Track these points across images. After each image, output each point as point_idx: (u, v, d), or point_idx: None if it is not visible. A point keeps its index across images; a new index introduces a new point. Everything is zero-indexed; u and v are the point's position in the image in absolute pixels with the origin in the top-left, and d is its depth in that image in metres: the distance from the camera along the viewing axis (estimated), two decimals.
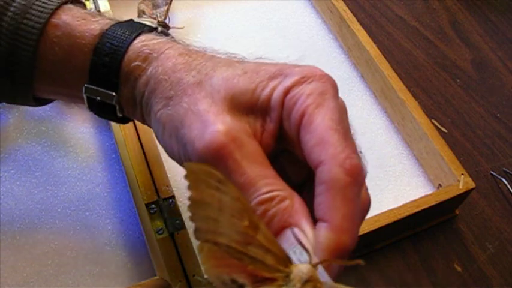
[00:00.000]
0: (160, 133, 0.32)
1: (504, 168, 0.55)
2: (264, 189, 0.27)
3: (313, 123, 0.28)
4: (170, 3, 0.60)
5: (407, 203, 0.45)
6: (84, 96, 0.34)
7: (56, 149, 0.50)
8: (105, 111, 0.35)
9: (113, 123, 0.49)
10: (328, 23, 0.64)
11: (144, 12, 0.60)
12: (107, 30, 0.33)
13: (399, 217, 0.44)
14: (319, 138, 0.27)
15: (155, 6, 0.60)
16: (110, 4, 0.57)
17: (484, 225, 0.50)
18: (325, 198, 0.26)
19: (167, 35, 0.36)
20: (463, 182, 0.47)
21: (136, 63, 0.32)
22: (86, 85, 0.34)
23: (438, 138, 0.50)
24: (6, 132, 0.50)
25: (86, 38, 0.33)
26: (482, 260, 0.48)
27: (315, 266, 0.26)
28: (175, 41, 0.34)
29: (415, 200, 0.46)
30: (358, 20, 0.60)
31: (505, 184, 0.53)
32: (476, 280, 0.47)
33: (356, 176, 0.27)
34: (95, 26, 0.34)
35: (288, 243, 0.27)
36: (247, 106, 0.29)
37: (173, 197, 0.44)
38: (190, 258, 0.41)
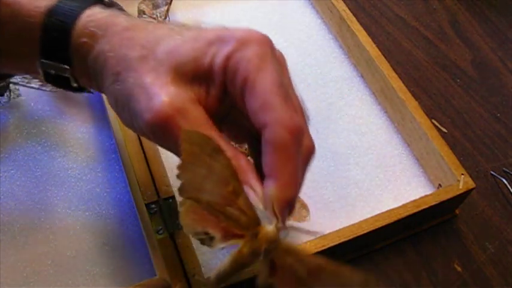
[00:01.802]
0: (114, 106, 0.33)
1: (504, 168, 0.55)
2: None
3: (256, 88, 0.30)
4: (170, 3, 0.60)
5: (407, 203, 0.45)
6: (40, 70, 0.35)
7: (56, 149, 0.50)
8: (61, 83, 0.35)
9: (112, 124, 0.49)
10: (328, 23, 0.64)
11: (144, 12, 0.60)
12: (53, 6, 0.34)
13: (399, 217, 0.44)
14: (262, 102, 0.30)
15: (155, 6, 0.60)
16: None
17: (484, 225, 0.50)
18: (271, 158, 0.30)
19: (113, 5, 0.36)
20: (463, 182, 0.47)
21: (84, 39, 0.33)
22: (40, 60, 0.34)
23: (438, 138, 0.50)
24: (6, 132, 0.50)
25: (33, 16, 0.33)
26: (482, 260, 0.48)
27: (279, 229, 0.29)
28: (121, 13, 0.34)
29: (415, 200, 0.46)
30: (358, 20, 0.60)
31: (505, 184, 0.53)
32: (476, 280, 0.47)
33: (297, 133, 0.30)
34: (41, 3, 0.34)
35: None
36: (191, 74, 0.31)
37: (173, 197, 0.44)
38: (190, 258, 0.41)
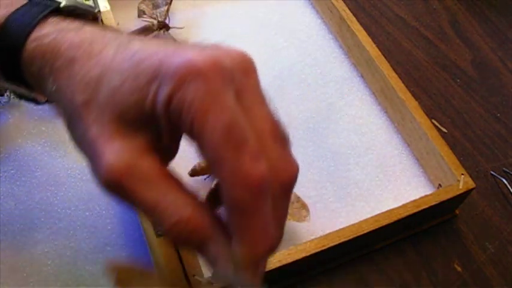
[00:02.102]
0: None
1: (504, 168, 0.55)
2: (168, 214, 0.26)
3: (203, 138, 0.25)
4: (170, 3, 0.60)
5: (407, 203, 0.45)
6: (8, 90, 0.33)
7: (56, 149, 0.50)
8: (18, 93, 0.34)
9: None
10: (328, 23, 0.64)
11: (144, 12, 0.60)
12: (9, 17, 0.31)
13: (399, 217, 0.44)
14: (211, 155, 0.25)
15: (155, 6, 0.60)
16: (110, 4, 0.57)
17: (484, 225, 0.50)
18: (231, 218, 0.26)
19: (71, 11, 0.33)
20: (463, 182, 0.47)
21: (33, 69, 0.30)
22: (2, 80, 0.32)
23: (438, 138, 0.50)
24: (6, 132, 0.50)
25: None
26: (482, 260, 0.48)
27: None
28: (70, 29, 0.31)
29: (415, 200, 0.46)
30: (358, 20, 0.60)
31: (505, 184, 0.53)
32: (476, 280, 0.47)
33: (258, 185, 0.25)
34: None
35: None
36: (135, 120, 0.27)
37: None
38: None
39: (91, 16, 0.34)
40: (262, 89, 0.28)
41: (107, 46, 0.29)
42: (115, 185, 0.27)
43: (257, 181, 0.25)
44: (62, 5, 0.32)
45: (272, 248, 0.27)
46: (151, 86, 0.26)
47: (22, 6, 0.32)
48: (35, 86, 0.32)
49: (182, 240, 0.27)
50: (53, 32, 0.30)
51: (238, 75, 0.27)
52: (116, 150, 0.27)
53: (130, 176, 0.26)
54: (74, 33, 0.30)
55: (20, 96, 0.34)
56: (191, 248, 0.27)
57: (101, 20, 0.56)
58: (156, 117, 0.27)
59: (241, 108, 0.26)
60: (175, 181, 0.28)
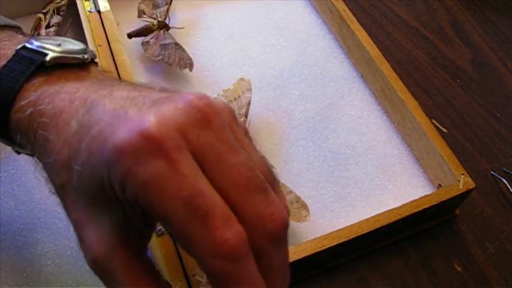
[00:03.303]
0: None
1: (504, 168, 0.55)
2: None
3: (166, 219, 0.23)
4: (170, 3, 0.60)
5: (407, 203, 0.45)
6: None
7: None
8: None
9: None
10: (328, 23, 0.64)
11: (144, 12, 0.60)
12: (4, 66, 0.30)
13: (399, 217, 0.44)
14: (178, 234, 0.23)
15: (155, 6, 0.60)
16: (110, 4, 0.57)
17: (484, 225, 0.50)
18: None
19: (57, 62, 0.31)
20: (463, 182, 0.47)
21: (18, 135, 0.30)
22: None
23: (438, 138, 0.50)
24: None
25: None
26: (482, 260, 0.48)
27: None
28: (48, 94, 0.29)
29: (415, 200, 0.46)
30: (358, 20, 0.60)
31: (505, 184, 0.53)
32: (476, 280, 0.47)
33: (232, 253, 0.23)
34: None
35: None
36: (104, 204, 0.26)
37: None
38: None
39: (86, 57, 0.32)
40: (228, 131, 0.25)
41: (73, 118, 0.27)
42: (95, 272, 0.27)
43: (230, 248, 0.23)
44: (48, 58, 0.30)
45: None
46: (103, 170, 0.24)
47: (7, 62, 0.30)
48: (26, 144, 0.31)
49: None
50: (32, 103, 0.29)
51: (194, 132, 0.24)
52: (91, 239, 0.26)
53: (103, 268, 0.26)
54: (48, 102, 0.28)
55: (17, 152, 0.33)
56: None
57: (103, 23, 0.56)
58: (117, 201, 0.25)
59: (206, 167, 0.24)
60: (143, 275, 0.26)
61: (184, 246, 0.24)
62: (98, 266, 0.26)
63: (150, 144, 0.23)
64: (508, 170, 0.54)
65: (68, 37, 0.38)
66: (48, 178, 0.29)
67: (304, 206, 0.46)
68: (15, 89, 0.29)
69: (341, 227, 0.44)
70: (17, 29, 0.36)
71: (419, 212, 0.45)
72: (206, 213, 0.23)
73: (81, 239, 0.27)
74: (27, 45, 0.31)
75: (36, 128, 0.28)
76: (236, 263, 0.23)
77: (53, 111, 0.28)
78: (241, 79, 0.55)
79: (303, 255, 0.41)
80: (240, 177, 0.24)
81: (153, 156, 0.23)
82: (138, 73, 0.57)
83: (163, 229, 0.42)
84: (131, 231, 0.26)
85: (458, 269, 0.47)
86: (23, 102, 0.29)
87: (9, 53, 0.31)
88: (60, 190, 0.28)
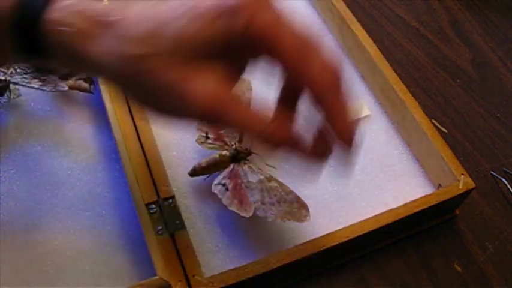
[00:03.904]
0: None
1: (504, 168, 0.55)
2: (256, 124, 0.32)
3: (286, 45, 0.31)
4: None
5: (407, 203, 0.45)
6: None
7: (56, 149, 0.50)
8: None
9: (112, 124, 0.49)
10: (328, 23, 0.64)
11: None
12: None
13: (399, 217, 0.44)
14: (295, 56, 0.31)
15: None
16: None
17: (484, 225, 0.50)
18: (323, 99, 0.32)
19: None
20: (463, 182, 0.47)
21: (61, 38, 0.31)
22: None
23: (438, 138, 0.50)
24: (6, 132, 0.50)
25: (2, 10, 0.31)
26: (482, 260, 0.48)
27: None
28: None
29: (415, 200, 0.46)
30: (358, 20, 0.60)
31: (505, 184, 0.53)
32: (476, 280, 0.47)
33: (338, 71, 0.33)
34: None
35: None
36: (209, 55, 0.31)
37: (173, 197, 0.44)
38: (190, 258, 0.41)
39: None
40: None
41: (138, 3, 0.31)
42: (212, 113, 0.30)
43: (337, 68, 0.32)
44: None
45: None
46: (218, 21, 0.30)
47: None
48: (59, 56, 0.32)
49: (274, 140, 0.32)
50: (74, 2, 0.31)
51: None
52: (203, 84, 0.30)
53: (221, 103, 0.31)
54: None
55: (37, 69, 0.34)
56: (286, 148, 0.32)
57: None
58: (230, 46, 0.30)
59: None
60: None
61: (295, 69, 0.32)
62: (214, 108, 0.30)
63: (264, 3, 0.32)
64: (508, 170, 0.54)
65: None
66: (112, 62, 0.30)
67: (304, 206, 0.46)
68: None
69: (341, 227, 0.44)
70: None
71: (419, 212, 0.45)
72: (319, 46, 0.32)
73: (189, 91, 0.30)
74: None
75: (90, 18, 0.31)
76: (339, 78, 0.33)
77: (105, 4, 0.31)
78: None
79: (303, 255, 0.41)
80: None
81: (269, 8, 0.32)
82: None
83: (163, 229, 0.42)
84: (231, 80, 0.32)
85: (458, 269, 0.47)
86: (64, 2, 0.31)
87: None
88: (144, 61, 0.30)
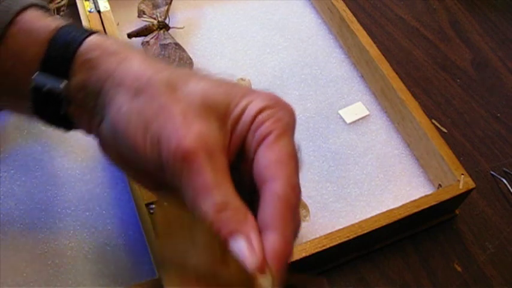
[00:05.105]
0: (124, 125, 0.31)
1: (504, 168, 0.55)
2: (222, 197, 0.28)
3: (279, 145, 0.30)
4: (170, 3, 0.60)
5: (407, 203, 0.45)
6: (31, 87, 0.33)
7: (56, 149, 0.50)
8: (49, 105, 0.34)
9: None
10: (328, 23, 0.64)
11: (144, 12, 0.60)
12: (63, 26, 0.33)
13: (399, 217, 0.44)
14: (279, 158, 0.30)
15: (155, 6, 0.60)
16: (110, 4, 0.57)
17: (484, 225, 0.51)
18: (277, 211, 0.28)
19: None
20: (463, 182, 0.47)
21: (96, 53, 0.32)
22: (35, 74, 0.33)
23: (438, 138, 0.50)
24: (6, 132, 0.50)
25: (42, 32, 0.33)
26: (482, 260, 0.48)
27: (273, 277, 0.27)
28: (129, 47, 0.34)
29: (415, 200, 0.46)
30: (358, 20, 0.60)
31: (505, 184, 0.53)
32: (476, 280, 0.47)
33: (297, 201, 0.30)
34: (52, 23, 0.34)
35: (237, 248, 0.27)
36: (220, 118, 0.31)
37: None
38: None
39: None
40: None
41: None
42: (190, 155, 0.28)
43: (297, 200, 0.30)
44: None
45: (290, 258, 0.29)
46: (244, 99, 0.31)
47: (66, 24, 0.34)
48: (83, 69, 0.32)
49: (223, 220, 0.28)
50: (114, 39, 0.34)
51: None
52: (203, 130, 0.29)
53: (208, 155, 0.29)
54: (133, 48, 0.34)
55: (41, 99, 0.34)
56: (225, 231, 0.28)
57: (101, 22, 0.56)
58: (238, 122, 0.31)
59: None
60: (233, 187, 0.30)
61: (273, 165, 0.30)
62: (190, 154, 0.28)
63: (293, 113, 0.34)
64: (508, 170, 0.54)
65: None
66: (135, 72, 0.31)
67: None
68: (82, 37, 0.33)
69: (341, 227, 0.44)
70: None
71: (419, 212, 0.45)
72: (298, 168, 0.31)
73: (183, 125, 0.29)
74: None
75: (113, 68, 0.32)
76: (296, 206, 0.30)
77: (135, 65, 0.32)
78: (241, 79, 0.55)
79: (303, 255, 0.41)
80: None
81: (287, 112, 0.33)
82: None
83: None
84: (230, 153, 0.31)
85: (458, 269, 0.47)
86: (101, 36, 0.33)
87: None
88: (169, 86, 0.31)
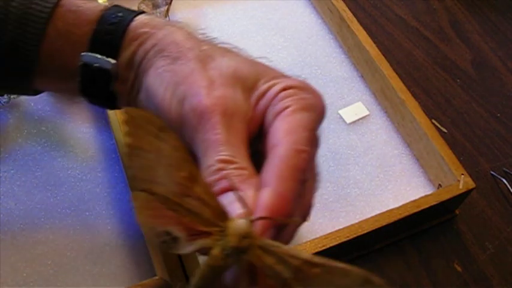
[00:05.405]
0: (157, 85, 0.32)
1: (504, 168, 0.55)
2: (230, 152, 0.29)
3: (294, 117, 0.30)
4: (170, 3, 0.60)
5: (407, 203, 0.45)
6: (80, 64, 0.34)
7: (56, 149, 0.50)
8: (97, 83, 0.35)
9: (112, 124, 0.49)
10: (328, 23, 0.64)
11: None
12: (111, 7, 0.35)
13: (399, 217, 0.44)
14: (290, 128, 0.30)
15: (155, 6, 0.60)
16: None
17: (484, 225, 0.50)
18: (275, 168, 0.28)
19: None
20: (463, 182, 0.47)
21: (144, 30, 0.34)
22: (84, 53, 0.34)
23: (438, 138, 0.50)
24: (6, 132, 0.50)
25: (90, 12, 0.35)
26: (482, 260, 0.48)
27: (252, 222, 0.25)
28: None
29: (415, 200, 0.46)
30: (358, 20, 0.60)
31: (505, 184, 0.53)
32: (476, 280, 0.47)
33: (304, 167, 0.29)
34: (98, 5, 0.35)
35: (227, 201, 0.27)
36: (246, 90, 0.32)
37: None
38: (190, 258, 0.41)
39: None
40: None
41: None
42: (209, 115, 0.29)
43: (307, 164, 0.30)
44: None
45: (288, 214, 0.28)
46: (274, 79, 0.33)
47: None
48: (131, 45, 0.34)
49: (222, 175, 0.28)
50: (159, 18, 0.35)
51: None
52: (230, 94, 0.31)
53: (229, 116, 0.30)
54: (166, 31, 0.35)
55: (90, 75, 0.35)
56: (221, 186, 0.28)
57: None
58: (263, 97, 0.32)
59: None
60: (247, 152, 0.30)
61: (284, 135, 0.30)
62: (208, 112, 0.30)
63: (322, 103, 0.34)
64: (508, 170, 0.54)
65: None
66: (177, 44, 0.33)
67: None
68: (130, 17, 0.35)
69: (341, 227, 0.44)
70: None
71: (419, 212, 0.45)
72: (313, 142, 0.32)
73: (210, 86, 0.31)
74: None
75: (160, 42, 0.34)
76: (303, 171, 0.30)
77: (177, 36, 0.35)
78: None
79: None
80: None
81: (310, 93, 0.33)
82: None
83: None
84: (251, 127, 0.31)
85: (458, 269, 0.47)
86: (147, 16, 0.36)
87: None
88: (205, 56, 0.33)
